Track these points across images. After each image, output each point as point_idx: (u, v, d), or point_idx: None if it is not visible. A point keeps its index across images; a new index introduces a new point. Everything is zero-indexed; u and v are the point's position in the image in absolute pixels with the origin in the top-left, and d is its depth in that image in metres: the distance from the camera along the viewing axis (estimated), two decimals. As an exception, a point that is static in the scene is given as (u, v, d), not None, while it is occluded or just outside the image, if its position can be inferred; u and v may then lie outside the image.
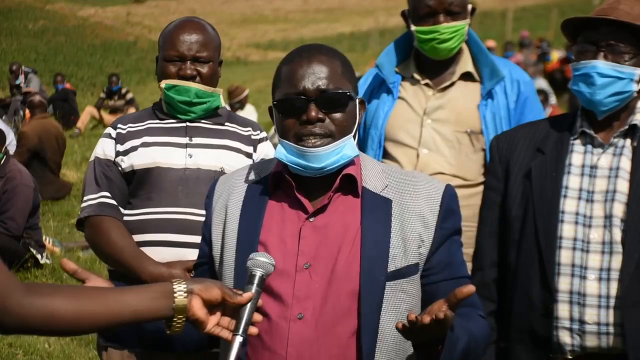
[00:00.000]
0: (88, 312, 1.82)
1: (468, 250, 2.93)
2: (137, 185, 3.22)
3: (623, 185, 2.79)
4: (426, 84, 3.62)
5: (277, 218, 2.23)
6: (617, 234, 2.75)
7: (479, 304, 2.29)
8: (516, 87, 3.60)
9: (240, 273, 2.15)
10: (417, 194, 2.24)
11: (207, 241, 2.32)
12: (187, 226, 3.15)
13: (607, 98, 2.81)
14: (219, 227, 2.28)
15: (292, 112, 2.19)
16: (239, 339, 1.94)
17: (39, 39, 31.64)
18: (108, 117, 17.54)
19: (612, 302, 2.74)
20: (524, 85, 3.61)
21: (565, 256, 2.79)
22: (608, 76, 2.79)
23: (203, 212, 2.44)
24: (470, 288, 1.96)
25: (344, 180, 2.23)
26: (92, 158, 3.30)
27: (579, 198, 2.82)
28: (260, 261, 1.99)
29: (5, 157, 7.91)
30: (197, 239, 2.72)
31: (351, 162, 2.25)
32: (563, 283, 2.79)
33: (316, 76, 2.19)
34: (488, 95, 3.57)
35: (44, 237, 8.33)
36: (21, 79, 17.46)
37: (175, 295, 1.88)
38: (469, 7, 3.57)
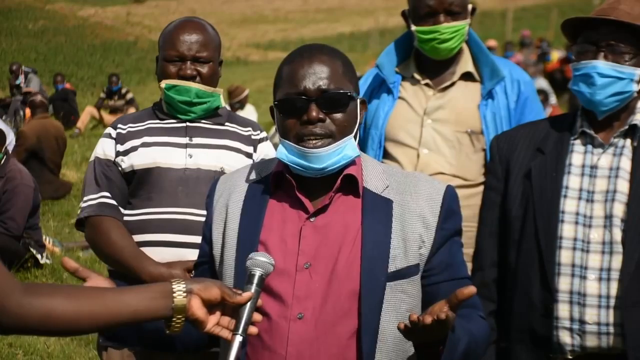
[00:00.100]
0: (87, 312, 1.81)
1: (468, 250, 2.93)
2: (137, 185, 3.22)
3: (623, 185, 2.79)
4: (426, 84, 3.62)
5: (278, 218, 2.23)
6: (617, 234, 2.75)
7: (479, 304, 2.29)
8: (516, 87, 3.59)
9: (240, 272, 2.15)
10: (417, 195, 2.24)
11: (207, 240, 2.32)
12: (187, 226, 3.15)
13: (607, 98, 2.81)
14: (220, 226, 2.28)
15: (293, 112, 2.19)
16: (238, 339, 1.94)
17: (39, 39, 31.63)
18: (108, 117, 17.55)
19: (612, 302, 2.74)
20: (524, 85, 3.61)
21: (565, 256, 2.79)
22: (608, 76, 2.79)
23: (203, 212, 2.44)
24: (471, 289, 1.96)
25: (345, 181, 2.23)
26: (92, 158, 3.30)
27: (579, 198, 2.82)
28: (260, 261, 1.99)
29: (5, 157, 7.91)
30: (197, 239, 2.72)
31: (352, 163, 2.25)
32: (563, 283, 2.79)
33: (317, 76, 2.19)
34: (488, 95, 3.57)
35: (44, 237, 8.33)
36: (21, 79, 17.46)
37: (174, 295, 1.88)
38: (469, 7, 3.56)
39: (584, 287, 2.76)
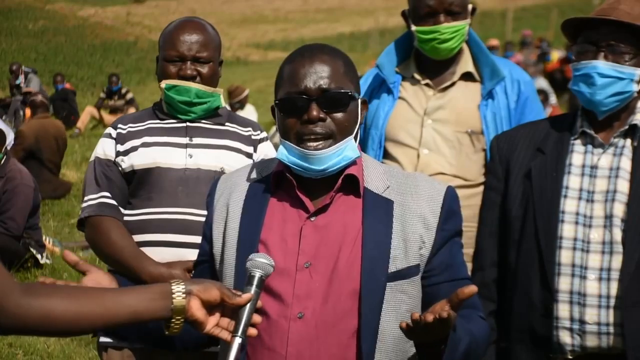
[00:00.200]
0: (86, 313, 1.81)
1: (468, 250, 2.93)
2: (137, 185, 3.22)
3: (623, 185, 2.79)
4: (426, 84, 3.62)
5: (278, 217, 2.23)
6: (618, 234, 2.75)
7: (479, 305, 2.29)
8: (516, 87, 3.59)
9: (240, 272, 2.15)
10: (418, 196, 2.24)
11: (207, 239, 2.32)
12: (187, 226, 3.15)
13: (607, 98, 2.81)
14: (220, 225, 2.28)
15: (293, 112, 2.19)
16: (238, 340, 1.93)
17: (39, 39, 31.64)
18: (108, 117, 17.55)
19: (612, 302, 2.74)
20: (524, 85, 3.61)
21: (565, 256, 2.79)
22: (608, 76, 2.79)
23: (203, 212, 2.44)
24: (471, 288, 1.96)
25: (346, 181, 2.23)
26: (92, 158, 3.30)
27: (579, 198, 2.82)
28: (260, 262, 1.99)
29: (5, 157, 7.91)
30: (197, 239, 2.71)
31: (353, 163, 2.25)
32: (563, 283, 2.79)
33: (318, 75, 2.19)
34: (488, 95, 3.57)
35: (44, 237, 8.33)
36: (21, 79, 17.46)
37: (173, 296, 1.88)
38: (469, 7, 3.56)
39: (584, 287, 2.76)
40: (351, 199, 2.23)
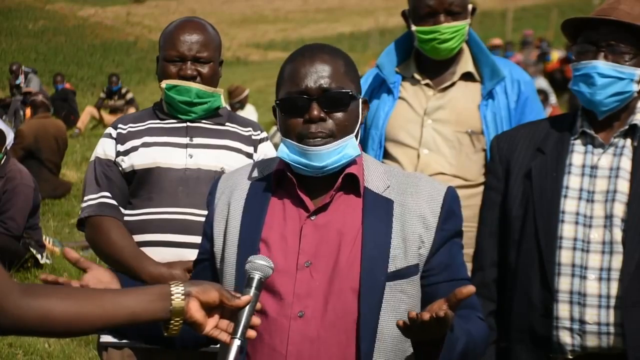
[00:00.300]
0: (85, 314, 1.81)
1: (468, 250, 2.92)
2: (137, 186, 3.22)
3: (623, 185, 2.79)
4: (427, 84, 3.62)
5: (279, 216, 2.23)
6: (618, 234, 2.75)
7: (478, 305, 2.29)
8: (517, 87, 3.59)
9: (241, 271, 2.15)
10: (418, 195, 2.24)
11: (208, 238, 2.32)
12: (188, 226, 3.15)
13: (607, 98, 2.81)
14: (221, 224, 2.28)
15: (294, 111, 2.20)
16: (237, 343, 1.93)
17: (39, 39, 31.64)
18: (108, 117, 17.56)
19: (612, 302, 2.74)
20: (524, 85, 3.61)
21: (565, 256, 2.79)
22: (608, 76, 2.79)
23: (203, 212, 2.44)
24: (470, 288, 1.96)
25: (346, 180, 2.23)
26: (92, 158, 3.30)
27: (580, 198, 2.82)
28: (259, 264, 1.99)
29: (5, 157, 7.91)
30: (197, 239, 2.71)
31: (353, 162, 2.25)
32: (563, 283, 2.79)
33: (318, 75, 2.19)
34: (489, 95, 3.57)
35: (44, 237, 8.33)
36: (21, 79, 17.45)
37: (172, 297, 1.87)
38: (470, 7, 3.56)
39: (584, 287, 2.76)
40: (351, 198, 2.23)
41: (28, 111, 14.77)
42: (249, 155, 3.27)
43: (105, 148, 3.27)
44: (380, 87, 3.68)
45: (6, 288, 1.75)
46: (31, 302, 1.77)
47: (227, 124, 3.31)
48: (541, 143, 2.93)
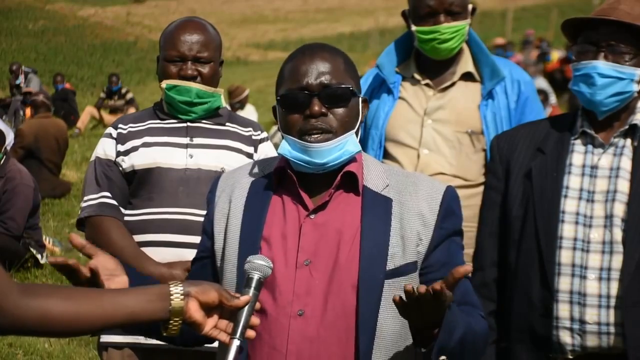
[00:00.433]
0: (84, 314, 1.81)
1: (468, 250, 2.92)
2: (137, 186, 3.22)
3: (624, 185, 2.79)
4: (427, 84, 3.62)
5: (279, 214, 2.24)
6: (618, 234, 2.75)
7: (479, 304, 2.28)
8: (517, 87, 3.60)
9: (241, 269, 2.15)
10: (417, 194, 2.24)
11: (208, 235, 2.32)
12: (188, 226, 3.15)
13: (607, 98, 2.81)
14: (222, 221, 2.29)
15: (295, 108, 2.21)
16: (236, 343, 1.93)
17: (39, 39, 31.64)
18: (108, 117, 17.56)
19: (612, 301, 2.74)
20: (524, 85, 3.61)
21: (565, 256, 2.79)
22: (608, 76, 2.79)
23: (204, 212, 2.43)
24: (466, 267, 1.97)
25: (346, 178, 2.24)
26: (92, 158, 3.30)
27: (580, 198, 2.82)
28: (258, 264, 1.99)
29: (5, 157, 7.91)
30: (197, 239, 2.71)
31: (353, 160, 2.25)
32: (563, 283, 2.78)
33: (319, 71, 2.20)
34: (489, 95, 3.57)
35: (44, 237, 8.33)
36: (21, 79, 17.45)
37: (171, 297, 1.87)
38: (470, 7, 3.57)
39: (584, 287, 2.76)
40: (351, 196, 2.24)
41: (28, 111, 14.78)
42: (250, 156, 3.27)
43: (105, 148, 3.27)
44: (380, 87, 3.68)
45: (6, 288, 1.75)
46: (30, 302, 1.77)
47: (227, 124, 3.31)
48: (541, 143, 2.93)
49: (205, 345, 2.33)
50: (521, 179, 2.92)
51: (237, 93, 14.26)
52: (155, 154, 3.20)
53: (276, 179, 2.27)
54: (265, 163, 2.36)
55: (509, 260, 2.92)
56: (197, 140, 3.24)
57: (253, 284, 1.98)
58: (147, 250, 3.15)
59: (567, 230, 2.80)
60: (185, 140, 3.23)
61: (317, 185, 2.24)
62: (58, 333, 1.84)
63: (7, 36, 30.49)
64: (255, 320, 1.98)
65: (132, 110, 16.74)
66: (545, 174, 2.87)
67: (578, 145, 2.89)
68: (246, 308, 1.95)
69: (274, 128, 12.12)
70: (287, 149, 2.22)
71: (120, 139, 3.24)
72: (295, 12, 46.98)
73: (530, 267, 2.84)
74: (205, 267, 2.32)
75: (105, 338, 3.24)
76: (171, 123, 3.27)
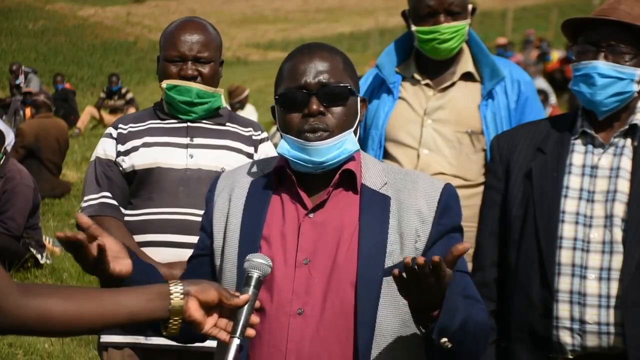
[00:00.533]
0: (83, 313, 1.82)
1: (469, 250, 2.92)
2: (138, 186, 3.22)
3: (624, 185, 2.79)
4: (426, 84, 3.62)
5: (279, 213, 2.24)
6: (618, 234, 2.75)
7: (480, 299, 2.27)
8: (517, 87, 3.60)
9: (241, 268, 2.15)
10: (415, 191, 2.25)
11: (207, 234, 2.32)
12: (188, 227, 3.15)
13: (607, 98, 2.81)
14: (221, 221, 2.29)
15: (293, 106, 2.21)
16: (236, 342, 1.93)
17: (39, 39, 31.64)
18: (108, 117, 17.57)
19: (612, 301, 2.74)
20: (524, 85, 3.62)
21: (565, 256, 2.79)
22: (609, 77, 2.79)
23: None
24: (465, 245, 1.96)
25: (344, 177, 2.24)
26: (92, 158, 3.30)
27: (580, 198, 2.82)
28: (257, 262, 2.00)
29: (4, 157, 7.91)
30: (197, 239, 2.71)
31: (352, 159, 2.26)
32: (563, 283, 2.79)
33: (317, 70, 2.21)
34: (488, 95, 3.57)
35: (44, 237, 8.33)
36: (21, 79, 17.44)
37: (171, 296, 1.88)
38: (470, 7, 3.57)
39: (584, 286, 2.76)
40: (349, 195, 2.24)
41: (28, 111, 14.78)
42: (250, 156, 3.27)
43: (105, 148, 3.27)
44: (380, 87, 3.68)
45: (5, 288, 1.75)
46: (30, 301, 1.77)
47: (227, 124, 3.31)
48: (541, 143, 2.93)
49: (206, 345, 2.33)
50: (521, 179, 2.92)
51: (237, 93, 14.26)
52: (155, 154, 3.21)
53: (275, 178, 2.28)
54: (265, 163, 2.37)
55: (509, 260, 2.92)
56: (198, 141, 3.24)
57: (252, 283, 1.98)
58: (147, 251, 3.15)
59: (567, 230, 2.80)
60: (185, 140, 3.24)
61: (316, 184, 2.24)
62: (58, 333, 1.85)
63: (7, 36, 30.49)
64: (255, 319, 1.98)
65: (132, 110, 16.74)
66: (546, 174, 2.87)
67: (578, 145, 2.89)
68: (246, 307, 1.95)
69: (274, 128, 12.12)
70: (285, 148, 2.22)
71: (121, 139, 3.24)
72: (295, 12, 46.98)
73: (530, 267, 2.84)
74: (202, 265, 2.32)
75: (106, 338, 3.24)
76: (171, 123, 3.27)
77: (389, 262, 2.16)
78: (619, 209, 2.76)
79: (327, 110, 2.20)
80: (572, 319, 2.77)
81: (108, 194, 3.22)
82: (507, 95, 3.58)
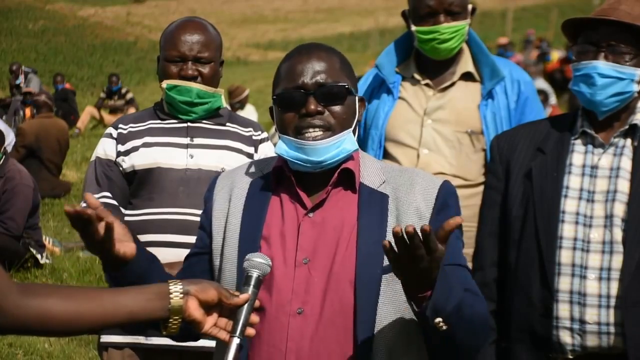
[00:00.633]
0: (83, 313, 1.82)
1: (468, 250, 2.93)
2: (138, 186, 3.22)
3: (624, 185, 2.79)
4: (426, 84, 3.62)
5: (278, 213, 2.24)
6: (618, 234, 2.75)
7: (479, 292, 2.24)
8: (516, 87, 3.60)
9: (241, 268, 2.15)
10: (413, 189, 2.24)
11: (207, 233, 2.32)
12: (188, 227, 3.15)
13: (607, 98, 2.81)
14: (221, 220, 2.29)
15: (291, 106, 2.21)
16: (236, 341, 1.94)
17: (39, 39, 31.64)
18: (108, 117, 17.57)
19: (612, 301, 2.74)
20: (524, 85, 3.62)
21: (565, 256, 2.79)
22: (609, 77, 2.79)
23: (204, 212, 2.43)
24: (457, 219, 1.94)
25: (343, 176, 2.24)
26: (93, 158, 3.31)
27: (580, 198, 2.82)
28: (257, 262, 2.00)
29: (4, 157, 7.91)
30: (197, 239, 2.71)
31: (350, 158, 2.26)
32: (563, 283, 2.79)
33: (315, 70, 2.21)
34: (488, 95, 3.57)
35: (44, 237, 8.34)
36: (21, 79, 17.44)
37: (171, 296, 1.88)
38: (469, 7, 3.57)
39: (584, 286, 2.76)
40: (348, 194, 2.24)
41: (28, 111, 14.78)
42: (250, 156, 3.27)
43: (105, 148, 3.27)
44: (380, 87, 3.68)
45: (5, 288, 1.75)
46: (30, 301, 1.77)
47: (227, 124, 3.31)
48: (541, 143, 2.93)
49: (206, 344, 2.33)
50: (521, 179, 2.92)
51: (237, 93, 14.26)
52: (155, 154, 3.21)
53: (274, 178, 2.28)
54: (264, 163, 2.37)
55: (509, 260, 2.92)
56: (198, 141, 3.24)
57: (252, 282, 1.98)
58: (147, 250, 3.14)
59: (567, 230, 2.80)
60: (185, 140, 3.24)
61: (315, 184, 2.24)
62: (58, 332, 1.85)
63: (7, 36, 30.49)
64: (254, 318, 1.98)
65: (132, 110, 16.75)
66: (546, 174, 2.87)
67: (578, 145, 2.89)
68: (245, 306, 1.95)
69: (274, 128, 12.11)
70: (283, 148, 2.22)
71: (121, 139, 3.25)
72: (295, 12, 46.97)
73: (530, 267, 2.84)
74: (200, 263, 2.31)
75: (106, 338, 3.24)
76: (171, 123, 3.28)
77: (387, 260, 2.16)
78: (619, 209, 2.76)
79: (325, 109, 2.20)
80: (572, 319, 2.77)
81: (108, 194, 3.22)
82: (507, 95, 3.58)
